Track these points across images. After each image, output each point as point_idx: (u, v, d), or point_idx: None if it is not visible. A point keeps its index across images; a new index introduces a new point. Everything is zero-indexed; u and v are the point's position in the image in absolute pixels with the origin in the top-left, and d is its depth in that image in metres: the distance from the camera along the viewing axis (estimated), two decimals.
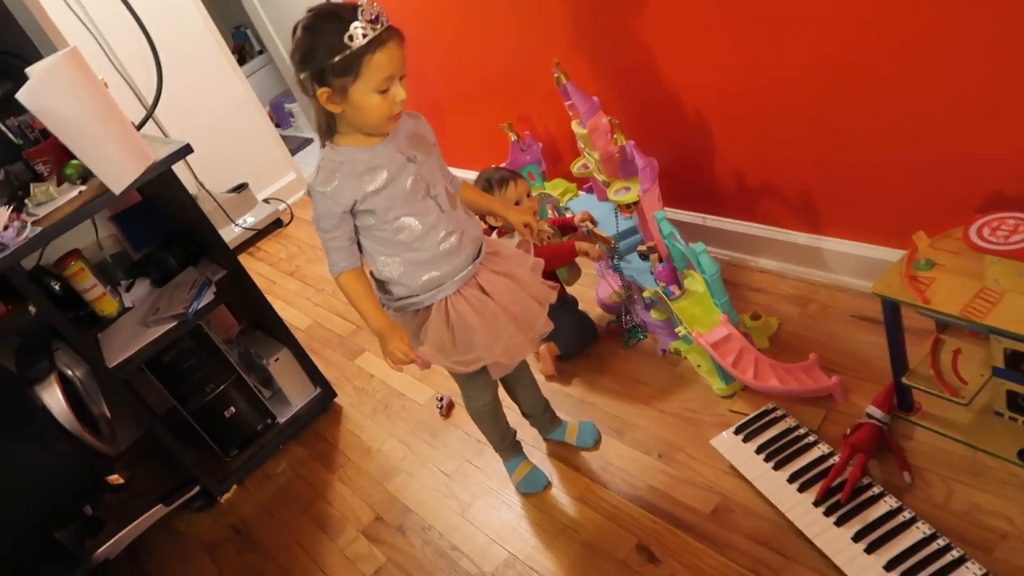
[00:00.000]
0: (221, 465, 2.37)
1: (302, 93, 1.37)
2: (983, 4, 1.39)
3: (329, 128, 1.43)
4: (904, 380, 1.58)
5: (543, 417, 1.96)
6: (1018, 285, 1.31)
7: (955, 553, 1.36)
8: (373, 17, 1.28)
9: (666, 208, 1.97)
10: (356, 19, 1.26)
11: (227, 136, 3.82)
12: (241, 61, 5.26)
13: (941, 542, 1.38)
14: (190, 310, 2.10)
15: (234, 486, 2.35)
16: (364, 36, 1.27)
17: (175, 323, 2.11)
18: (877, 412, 1.63)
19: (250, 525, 2.21)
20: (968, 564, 1.34)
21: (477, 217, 1.64)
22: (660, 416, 1.93)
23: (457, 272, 1.52)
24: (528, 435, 2.01)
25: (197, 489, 2.30)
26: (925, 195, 1.71)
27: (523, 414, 1.97)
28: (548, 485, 1.89)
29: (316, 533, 2.08)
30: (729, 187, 2.15)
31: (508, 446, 1.92)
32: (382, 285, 1.56)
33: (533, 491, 1.89)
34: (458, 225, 1.52)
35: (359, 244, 1.50)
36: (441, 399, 2.28)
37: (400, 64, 1.33)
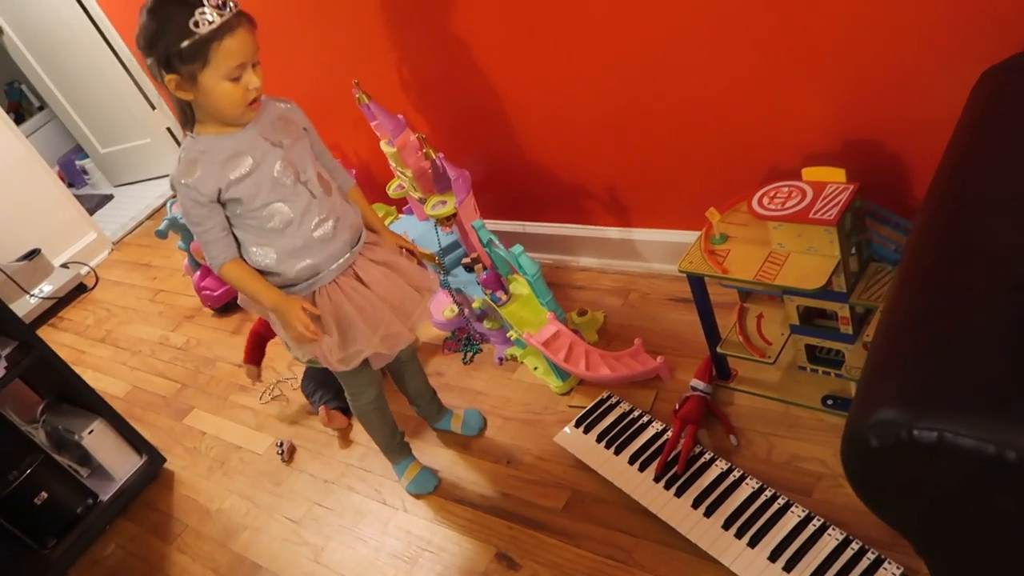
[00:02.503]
0: (38, 559, 2.10)
1: (152, 79, 1.33)
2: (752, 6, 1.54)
3: (188, 117, 1.37)
4: (718, 350, 1.69)
5: (430, 405, 1.94)
6: (798, 245, 1.44)
7: (781, 501, 1.46)
8: (220, 2, 1.24)
9: (485, 220, 2.00)
10: (202, 3, 1.22)
11: (7, 200, 3.48)
12: (19, 120, 4.81)
13: (768, 493, 1.48)
14: None
15: None
16: (210, 23, 1.22)
17: None
18: (700, 384, 1.72)
19: None
20: (793, 508, 1.44)
21: (356, 205, 1.59)
22: (504, 423, 1.94)
23: (334, 260, 1.49)
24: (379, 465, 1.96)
25: None
26: (713, 177, 1.84)
27: (410, 402, 1.94)
28: (438, 485, 1.85)
29: None
30: (542, 191, 2.22)
31: (397, 447, 1.87)
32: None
33: (423, 492, 1.85)
34: (332, 211, 1.48)
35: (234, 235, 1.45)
36: (281, 444, 2.17)
37: (252, 51, 1.30)
